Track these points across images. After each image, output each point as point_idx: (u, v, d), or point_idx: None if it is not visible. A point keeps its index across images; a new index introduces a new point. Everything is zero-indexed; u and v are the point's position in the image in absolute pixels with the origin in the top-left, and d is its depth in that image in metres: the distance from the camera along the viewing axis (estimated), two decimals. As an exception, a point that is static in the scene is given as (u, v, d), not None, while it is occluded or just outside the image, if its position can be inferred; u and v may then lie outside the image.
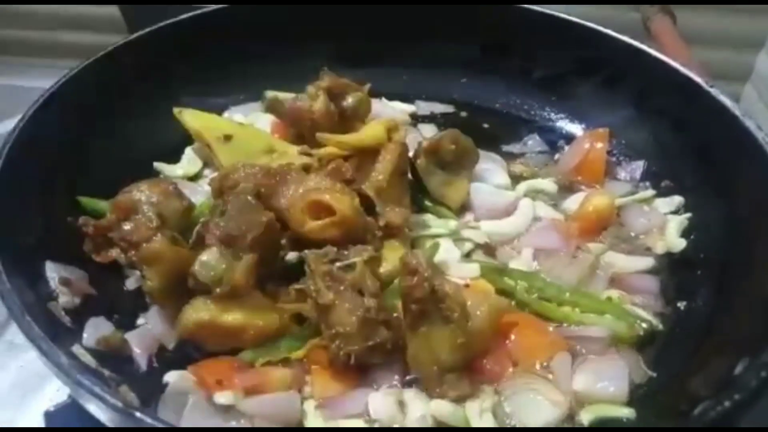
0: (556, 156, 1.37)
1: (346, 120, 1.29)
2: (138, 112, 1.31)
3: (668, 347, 1.04)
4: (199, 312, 0.97)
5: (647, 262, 1.16)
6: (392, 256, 1.06)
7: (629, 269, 1.15)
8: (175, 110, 1.31)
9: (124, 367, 0.99)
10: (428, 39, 1.47)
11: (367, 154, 1.17)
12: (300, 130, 1.29)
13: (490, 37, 1.46)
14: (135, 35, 1.34)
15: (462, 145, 1.25)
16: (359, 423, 0.94)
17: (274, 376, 0.96)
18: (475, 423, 0.93)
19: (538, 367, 0.99)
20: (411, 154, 1.22)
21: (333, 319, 0.94)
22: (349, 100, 1.29)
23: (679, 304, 1.10)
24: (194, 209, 1.14)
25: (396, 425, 0.93)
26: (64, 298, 1.03)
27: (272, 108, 1.41)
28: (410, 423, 0.93)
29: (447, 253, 1.14)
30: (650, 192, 1.27)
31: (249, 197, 1.03)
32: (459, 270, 1.12)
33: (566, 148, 1.38)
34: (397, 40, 1.47)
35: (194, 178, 1.30)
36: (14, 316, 0.87)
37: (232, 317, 0.97)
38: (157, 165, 1.30)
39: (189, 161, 1.32)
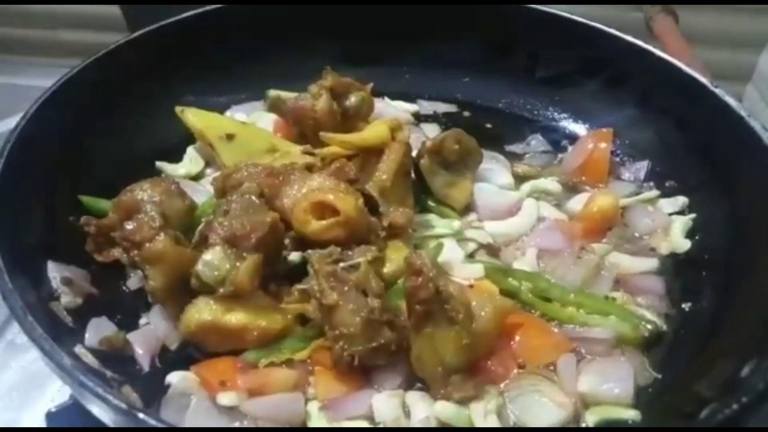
0: (560, 156, 1.37)
1: (349, 119, 1.28)
2: (139, 111, 1.31)
3: (674, 348, 1.04)
4: (201, 312, 0.97)
5: (652, 262, 1.16)
6: (396, 257, 1.06)
7: (634, 270, 1.14)
8: (177, 109, 1.31)
9: (126, 367, 0.99)
10: (431, 38, 1.47)
11: (370, 154, 1.16)
12: (302, 129, 1.28)
13: (493, 37, 1.45)
14: (137, 34, 1.33)
15: (466, 145, 1.24)
16: (363, 424, 0.93)
17: (278, 377, 0.96)
18: (480, 424, 0.93)
19: (542, 368, 0.99)
20: (414, 153, 1.21)
21: (337, 319, 0.94)
22: (352, 100, 1.29)
23: (684, 305, 1.10)
24: (196, 209, 1.13)
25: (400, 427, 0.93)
26: (66, 298, 1.02)
27: (275, 107, 1.40)
28: (414, 424, 0.93)
29: (450, 253, 1.14)
30: (654, 192, 1.27)
31: (253, 197, 1.02)
32: (463, 270, 1.12)
33: (570, 148, 1.37)
34: (400, 39, 1.46)
35: (196, 177, 1.30)
36: (16, 315, 0.87)
37: (235, 318, 0.97)
38: (159, 164, 1.30)
39: (191, 160, 1.32)
